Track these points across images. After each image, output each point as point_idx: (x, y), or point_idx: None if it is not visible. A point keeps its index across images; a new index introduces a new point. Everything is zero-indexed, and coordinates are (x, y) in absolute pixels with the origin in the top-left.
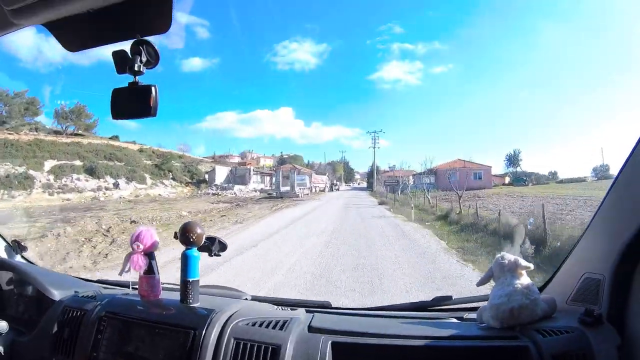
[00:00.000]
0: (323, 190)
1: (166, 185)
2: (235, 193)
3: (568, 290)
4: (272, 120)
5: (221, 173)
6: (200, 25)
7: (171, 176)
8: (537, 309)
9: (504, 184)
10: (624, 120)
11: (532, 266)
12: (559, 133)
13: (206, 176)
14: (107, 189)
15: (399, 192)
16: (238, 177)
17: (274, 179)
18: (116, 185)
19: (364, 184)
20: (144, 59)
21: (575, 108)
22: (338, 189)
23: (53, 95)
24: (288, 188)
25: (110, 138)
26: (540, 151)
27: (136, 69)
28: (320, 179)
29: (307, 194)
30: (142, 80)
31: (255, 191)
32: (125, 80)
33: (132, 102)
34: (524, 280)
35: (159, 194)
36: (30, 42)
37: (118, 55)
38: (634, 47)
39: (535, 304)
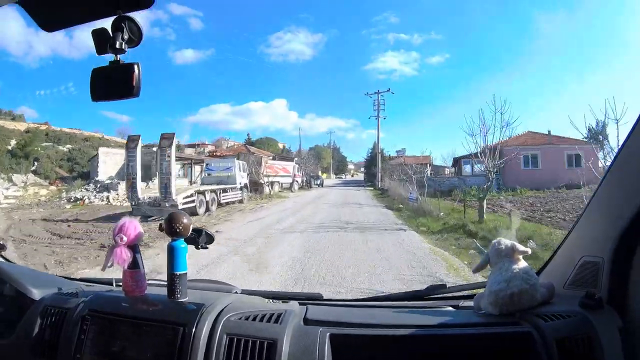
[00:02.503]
0: (290, 188)
1: (12, 182)
2: (107, 199)
3: (565, 274)
4: (266, 112)
5: (113, 161)
6: (194, 16)
7: (34, 167)
8: (536, 294)
9: None
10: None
11: (529, 251)
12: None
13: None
14: None
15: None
16: (142, 166)
17: (204, 171)
18: None
19: (359, 176)
20: (126, 37)
21: (573, 93)
22: (321, 185)
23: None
24: (155, 195)
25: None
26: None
27: (117, 46)
28: (280, 169)
29: (233, 201)
30: (125, 59)
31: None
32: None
33: (113, 82)
34: (522, 265)
35: None
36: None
37: (98, 34)
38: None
39: (534, 289)
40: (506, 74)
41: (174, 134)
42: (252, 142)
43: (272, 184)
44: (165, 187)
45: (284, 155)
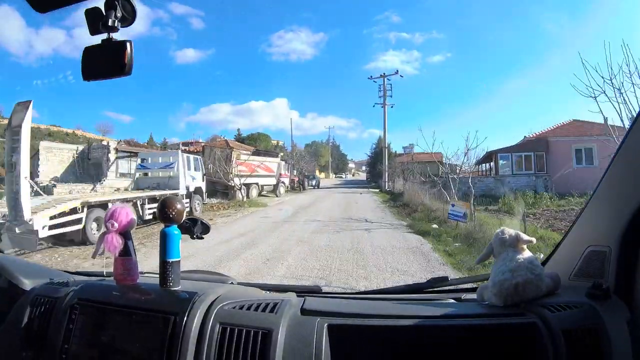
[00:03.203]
0: (274, 191)
1: None
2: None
3: (571, 265)
4: (267, 111)
5: (58, 159)
6: (195, 16)
7: None
8: (541, 284)
9: None
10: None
11: (534, 240)
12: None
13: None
14: None
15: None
16: (92, 165)
17: (137, 170)
18: None
19: (360, 176)
20: (119, 15)
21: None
22: (316, 186)
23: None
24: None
25: None
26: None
27: (110, 24)
28: (260, 167)
29: (184, 211)
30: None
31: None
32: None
33: (105, 61)
34: (526, 254)
35: None
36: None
37: (91, 14)
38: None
39: (539, 279)
40: (507, 73)
41: (30, 102)
42: (242, 138)
43: (248, 186)
44: (14, 200)
45: (268, 150)
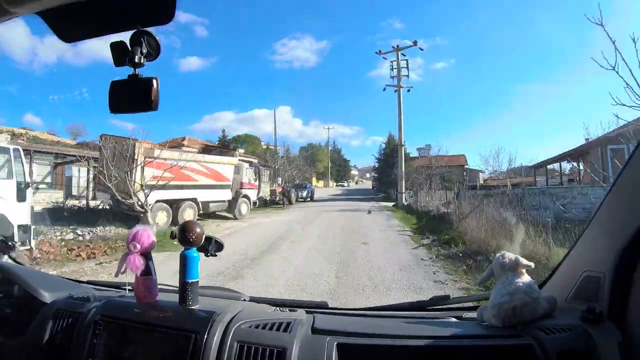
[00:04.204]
0: (233, 211)
1: None
2: None
3: (567, 288)
4: (270, 119)
5: None
6: (200, 24)
7: None
8: (538, 307)
9: None
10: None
11: (532, 265)
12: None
13: None
14: None
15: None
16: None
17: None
18: None
19: (364, 184)
20: (145, 51)
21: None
22: (310, 197)
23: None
24: None
25: None
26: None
27: (136, 60)
28: (197, 171)
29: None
30: (142, 73)
31: None
32: (123, 73)
33: (132, 96)
34: (525, 278)
35: None
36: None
37: (116, 47)
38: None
39: (536, 302)
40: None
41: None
42: (227, 141)
43: (174, 205)
44: None
45: (218, 146)
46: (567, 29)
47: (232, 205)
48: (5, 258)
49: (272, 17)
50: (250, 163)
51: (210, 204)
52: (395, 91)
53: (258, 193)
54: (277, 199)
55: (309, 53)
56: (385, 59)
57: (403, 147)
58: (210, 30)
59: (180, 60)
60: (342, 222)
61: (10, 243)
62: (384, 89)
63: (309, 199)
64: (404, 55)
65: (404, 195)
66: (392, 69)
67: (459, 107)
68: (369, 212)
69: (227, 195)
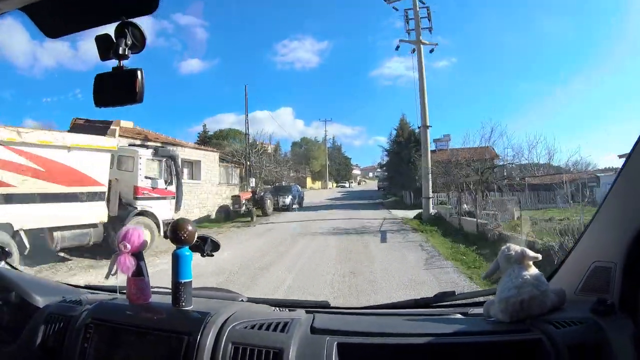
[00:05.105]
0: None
1: None
2: None
3: (576, 280)
4: (272, 121)
5: None
6: (200, 26)
7: None
8: (547, 300)
9: None
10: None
11: (540, 257)
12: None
13: None
14: None
15: None
16: None
17: None
18: None
19: (368, 184)
20: (129, 42)
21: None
22: (298, 205)
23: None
24: None
25: None
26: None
27: (121, 52)
28: (43, 169)
29: None
30: (128, 66)
31: None
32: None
33: (117, 88)
34: (532, 271)
35: None
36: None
37: (101, 40)
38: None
39: (545, 295)
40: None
41: None
42: (209, 137)
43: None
44: None
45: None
46: (571, 25)
47: (110, 233)
48: (2, 264)
49: (272, 18)
50: (155, 150)
51: (56, 234)
52: (413, 51)
53: (177, 205)
54: (243, 209)
55: (310, 54)
56: (396, 9)
57: (428, 131)
58: (210, 32)
59: (180, 63)
60: (330, 277)
61: (6, 249)
62: (397, 48)
63: (294, 207)
64: (423, 2)
65: (430, 201)
66: (406, 21)
67: (459, 107)
68: (384, 238)
69: (97, 213)
